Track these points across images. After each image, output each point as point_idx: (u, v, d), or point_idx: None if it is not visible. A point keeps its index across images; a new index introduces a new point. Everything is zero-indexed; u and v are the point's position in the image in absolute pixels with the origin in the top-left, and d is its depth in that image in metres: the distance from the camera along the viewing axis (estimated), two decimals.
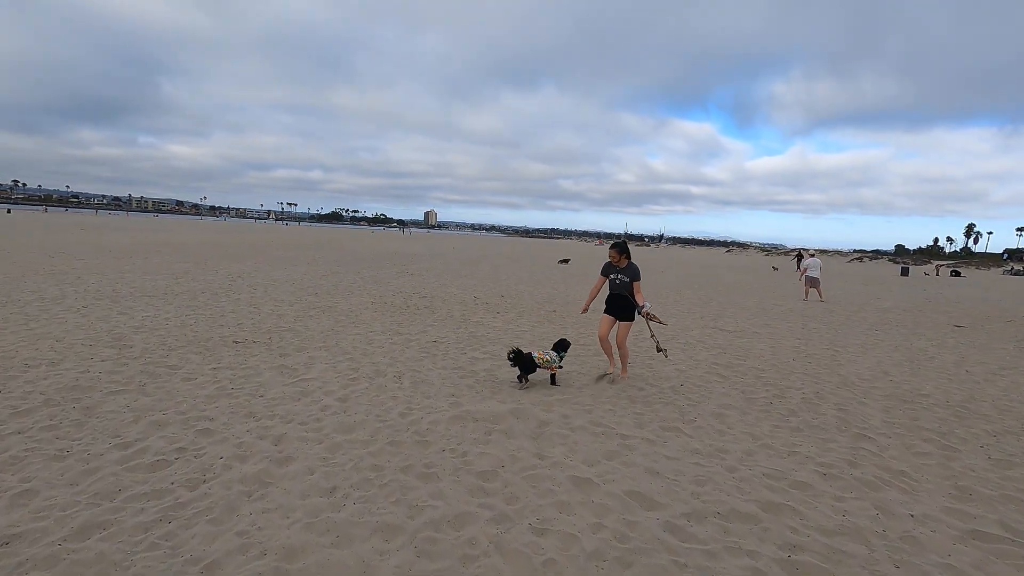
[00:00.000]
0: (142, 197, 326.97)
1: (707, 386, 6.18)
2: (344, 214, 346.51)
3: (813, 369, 7.33)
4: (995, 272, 58.88)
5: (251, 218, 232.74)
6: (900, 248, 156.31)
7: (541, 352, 5.82)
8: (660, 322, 6.54)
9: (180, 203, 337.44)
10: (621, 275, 6.03)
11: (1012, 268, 60.76)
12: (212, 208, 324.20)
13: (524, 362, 5.67)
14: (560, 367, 5.93)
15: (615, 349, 6.27)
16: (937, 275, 46.81)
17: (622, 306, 6.07)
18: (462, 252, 38.54)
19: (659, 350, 6.34)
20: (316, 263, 21.04)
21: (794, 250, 51.76)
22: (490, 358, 7.07)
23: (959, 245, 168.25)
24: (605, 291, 6.36)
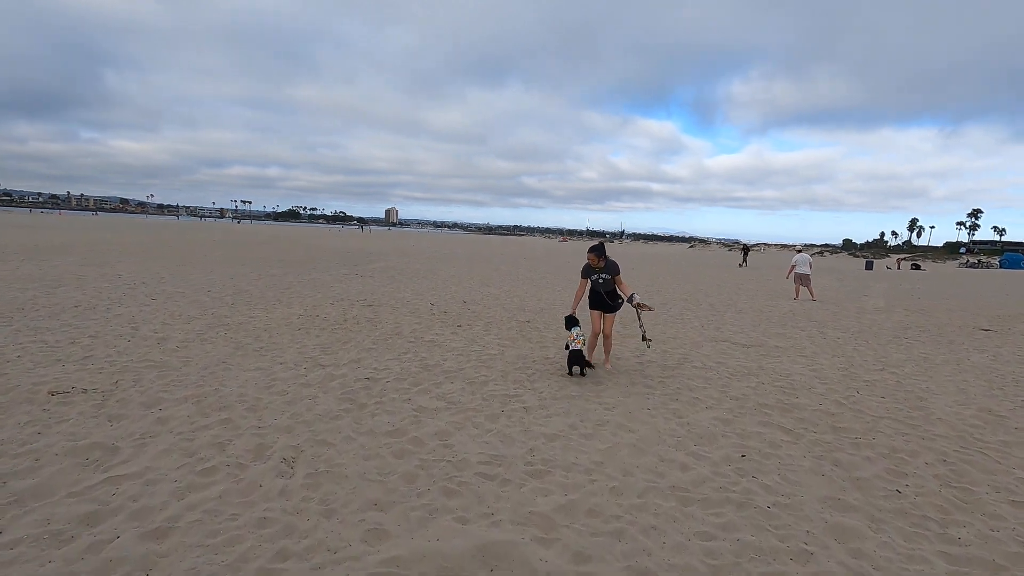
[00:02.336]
0: (82, 195, 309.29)
1: (778, 455, 4.03)
2: (302, 212, 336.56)
3: (895, 408, 5.32)
4: (951, 265, 59.96)
5: (201, 216, 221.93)
6: (848, 242, 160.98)
7: (574, 338, 6.02)
8: (648, 308, 6.65)
9: (125, 201, 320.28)
10: (603, 274, 6.25)
11: (968, 261, 62.16)
12: (160, 206, 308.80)
13: (577, 359, 5.90)
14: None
15: (599, 341, 6.54)
16: (899, 268, 46.94)
17: (607, 301, 6.31)
18: (422, 250, 35.82)
19: (644, 339, 6.61)
20: (254, 263, 18.20)
21: (754, 246, 51.04)
22: (447, 408, 4.77)
23: (903, 239, 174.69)
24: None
